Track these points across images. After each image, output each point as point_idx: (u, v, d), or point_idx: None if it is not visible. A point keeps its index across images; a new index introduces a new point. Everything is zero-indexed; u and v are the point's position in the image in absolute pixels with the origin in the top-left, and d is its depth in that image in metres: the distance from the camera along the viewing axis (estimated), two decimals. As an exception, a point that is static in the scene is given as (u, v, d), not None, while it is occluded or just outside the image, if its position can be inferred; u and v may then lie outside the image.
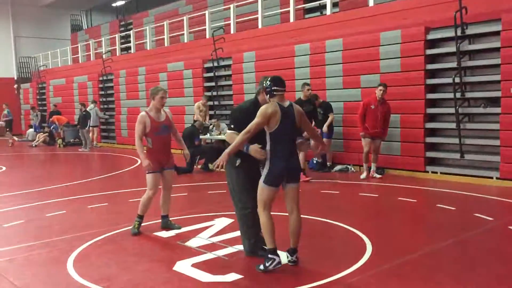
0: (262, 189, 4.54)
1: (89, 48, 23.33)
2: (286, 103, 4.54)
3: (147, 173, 5.91)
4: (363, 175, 9.32)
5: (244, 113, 4.68)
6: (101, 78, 18.93)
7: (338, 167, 10.40)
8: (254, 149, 4.47)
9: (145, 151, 5.88)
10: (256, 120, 4.37)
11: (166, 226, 6.18)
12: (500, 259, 4.90)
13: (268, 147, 4.48)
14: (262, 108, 4.43)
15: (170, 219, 6.27)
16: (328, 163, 10.55)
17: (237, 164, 4.79)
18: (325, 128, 9.99)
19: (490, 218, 6.23)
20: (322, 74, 10.94)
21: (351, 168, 10.29)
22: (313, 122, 9.42)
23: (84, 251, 5.42)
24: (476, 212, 6.52)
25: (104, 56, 19.91)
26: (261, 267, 4.51)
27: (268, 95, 4.54)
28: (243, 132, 4.39)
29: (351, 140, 10.40)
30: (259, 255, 4.81)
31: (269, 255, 4.48)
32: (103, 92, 18.86)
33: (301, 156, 8.69)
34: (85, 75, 20.09)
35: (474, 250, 5.16)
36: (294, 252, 4.67)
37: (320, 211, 6.71)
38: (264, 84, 4.58)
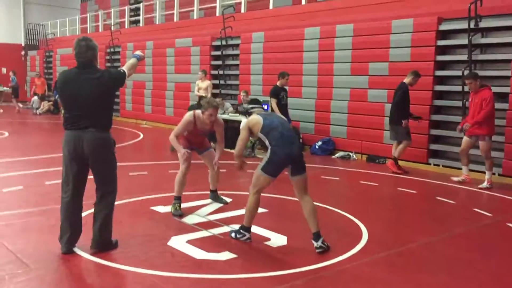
0: (259, 176, 4.67)
1: (98, 19, 23.17)
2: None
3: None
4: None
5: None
6: (108, 50, 18.82)
7: (340, 154, 10.37)
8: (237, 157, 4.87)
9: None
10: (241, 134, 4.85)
11: (214, 199, 6.35)
12: (496, 254, 4.88)
13: (266, 142, 4.67)
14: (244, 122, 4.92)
15: (169, 194, 6.25)
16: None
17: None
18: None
19: (489, 214, 6.20)
20: (330, 59, 10.82)
21: (353, 156, 10.24)
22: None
23: (80, 221, 5.42)
24: (475, 207, 6.49)
25: (112, 27, 19.76)
26: (232, 234, 4.91)
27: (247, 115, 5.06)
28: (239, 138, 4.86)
29: (354, 127, 10.33)
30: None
31: (242, 230, 4.84)
32: (109, 64, 18.76)
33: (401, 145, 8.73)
34: (93, 46, 19.97)
35: (470, 245, 5.14)
36: (318, 236, 4.58)
37: (319, 197, 6.66)
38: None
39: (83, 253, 4.45)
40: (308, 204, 4.63)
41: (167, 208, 6.00)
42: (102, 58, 19.05)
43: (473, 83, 7.67)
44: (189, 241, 4.85)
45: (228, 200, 6.39)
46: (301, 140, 10.46)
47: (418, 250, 4.85)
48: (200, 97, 12.30)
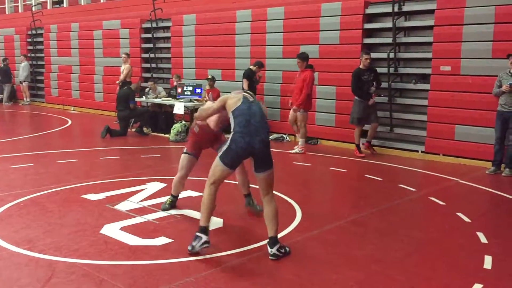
0: (216, 166, 4.18)
1: (17, -1, 21.74)
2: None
3: (183, 152, 5.27)
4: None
5: None
6: (29, 32, 17.77)
7: (273, 136, 10.51)
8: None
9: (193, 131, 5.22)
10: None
11: (250, 205, 5.39)
12: (419, 225, 5.20)
13: (232, 126, 4.21)
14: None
15: (101, 181, 6.08)
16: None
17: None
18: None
19: (413, 189, 6.56)
20: (262, 42, 10.87)
21: (286, 137, 10.42)
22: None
23: (5, 212, 5.16)
24: (401, 183, 6.84)
25: (33, 8, 18.64)
26: (189, 247, 4.11)
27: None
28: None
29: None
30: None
31: (198, 233, 4.10)
32: (31, 47, 17.74)
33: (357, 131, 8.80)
34: (12, 27, 18.78)
35: (397, 218, 5.43)
36: (274, 242, 4.12)
37: (252, 178, 6.74)
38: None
39: (9, 245, 4.24)
40: (270, 206, 4.19)
41: (99, 196, 5.84)
42: (23, 41, 17.98)
43: (299, 63, 8.97)
44: (122, 228, 4.76)
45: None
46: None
47: (348, 225, 5.05)
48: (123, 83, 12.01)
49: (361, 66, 8.71)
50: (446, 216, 5.46)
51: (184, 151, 5.25)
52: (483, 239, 4.66)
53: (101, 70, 14.81)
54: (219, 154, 4.19)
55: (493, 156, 7.61)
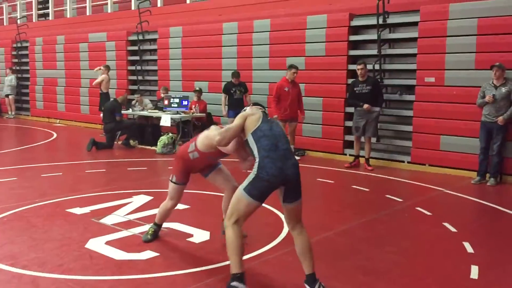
0: (239, 200, 3.52)
1: (2, 12, 21.58)
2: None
3: (171, 181, 4.64)
4: None
5: None
6: (15, 45, 17.64)
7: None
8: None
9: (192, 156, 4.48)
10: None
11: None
12: (406, 236, 5.21)
13: (255, 150, 3.59)
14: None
15: (87, 195, 6.01)
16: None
17: None
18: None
19: (400, 199, 6.59)
20: (249, 54, 10.91)
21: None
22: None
23: (-13, 228, 5.07)
24: (387, 194, 6.87)
25: (19, 21, 18.52)
26: None
27: None
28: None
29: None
30: None
31: (233, 283, 3.42)
32: (16, 60, 17.61)
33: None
34: (-3, 40, 18.65)
35: (384, 229, 5.43)
36: (314, 280, 3.55)
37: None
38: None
39: (-9, 262, 4.16)
40: (302, 238, 3.63)
41: (84, 210, 5.77)
42: (8, 54, 17.85)
43: (296, 74, 9.09)
44: (108, 242, 4.70)
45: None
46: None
47: (335, 237, 5.04)
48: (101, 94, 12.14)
49: (359, 78, 8.67)
50: (433, 226, 5.49)
51: (174, 180, 4.58)
52: (469, 248, 4.68)
53: (87, 82, 14.72)
54: (243, 185, 3.50)
55: (478, 166, 7.69)
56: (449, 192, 7.04)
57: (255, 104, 4.11)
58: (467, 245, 4.74)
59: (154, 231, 4.79)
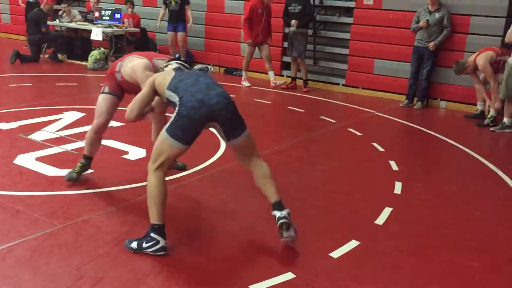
0: (162, 142, 3.08)
1: None
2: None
3: (101, 92, 4.01)
4: (246, 83, 8.91)
5: None
6: None
7: (198, 66, 10.29)
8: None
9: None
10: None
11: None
12: (337, 155, 5.45)
13: (175, 98, 3.13)
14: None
15: (13, 110, 5.69)
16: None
17: None
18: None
19: (333, 121, 6.80)
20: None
21: (211, 68, 10.25)
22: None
23: None
24: (322, 115, 7.05)
25: None
26: (134, 245, 3.06)
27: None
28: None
29: (212, 39, 10.26)
30: None
31: (152, 234, 3.04)
32: None
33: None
34: None
35: (316, 149, 5.64)
36: (281, 206, 3.23)
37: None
38: None
39: None
40: (263, 167, 3.31)
41: (11, 125, 5.49)
42: None
43: None
44: (38, 159, 4.54)
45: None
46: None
47: (271, 155, 5.17)
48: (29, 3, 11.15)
49: None
50: (363, 146, 5.76)
51: (106, 90, 3.98)
52: (394, 166, 4.99)
53: (7, -12, 13.45)
54: (165, 127, 3.10)
55: (407, 90, 8.02)
56: (379, 114, 7.34)
57: (172, 60, 3.63)
58: (392, 164, 5.05)
59: (82, 166, 4.09)
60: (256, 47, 8.80)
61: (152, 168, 3.08)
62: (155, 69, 3.69)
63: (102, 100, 3.99)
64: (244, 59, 9.00)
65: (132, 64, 3.74)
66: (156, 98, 3.42)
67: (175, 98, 3.10)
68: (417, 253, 3.31)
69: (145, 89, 3.32)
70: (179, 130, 3.02)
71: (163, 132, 3.09)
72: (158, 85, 3.25)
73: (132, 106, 3.37)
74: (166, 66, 3.57)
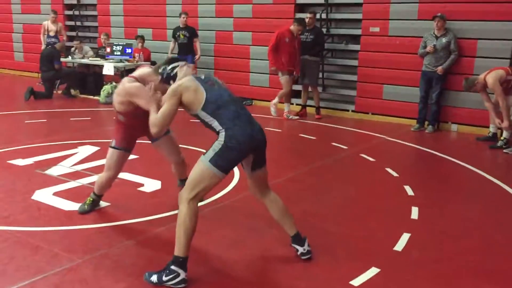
0: (203, 172, 3.08)
1: None
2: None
3: (110, 146, 4.08)
4: (291, 116, 8.71)
5: None
6: None
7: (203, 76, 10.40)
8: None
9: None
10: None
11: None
12: (351, 181, 5.43)
13: (214, 124, 3.16)
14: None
15: (29, 146, 5.78)
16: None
17: None
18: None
19: (345, 147, 6.81)
20: (194, 0, 10.58)
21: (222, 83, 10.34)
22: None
23: None
24: (333, 142, 7.07)
25: None
26: (154, 278, 3.06)
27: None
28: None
29: (220, 70, 10.41)
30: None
31: (172, 267, 3.02)
32: None
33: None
34: None
35: (330, 175, 5.64)
36: (301, 238, 3.47)
37: (188, 140, 6.68)
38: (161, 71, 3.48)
39: None
40: (277, 202, 3.49)
41: (27, 161, 5.57)
42: None
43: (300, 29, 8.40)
44: (55, 194, 4.59)
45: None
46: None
47: (285, 183, 5.18)
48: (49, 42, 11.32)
49: (306, 26, 8.64)
50: (376, 171, 5.75)
51: (112, 145, 4.03)
52: (409, 191, 4.96)
53: (20, 28, 13.82)
54: (208, 156, 3.08)
55: (417, 114, 8.04)
56: (391, 139, 7.35)
57: (171, 61, 3.53)
58: (408, 188, 5.03)
59: (93, 201, 4.20)
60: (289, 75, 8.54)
61: (188, 197, 3.06)
62: (145, 82, 3.66)
63: (111, 155, 4.04)
64: (282, 91, 8.68)
65: (125, 88, 3.76)
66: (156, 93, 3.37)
67: (214, 123, 3.13)
68: (438, 282, 3.25)
69: (171, 101, 3.15)
70: (225, 161, 3.09)
71: (205, 162, 3.07)
72: (188, 103, 3.16)
73: (161, 123, 3.20)
74: (173, 70, 3.42)
